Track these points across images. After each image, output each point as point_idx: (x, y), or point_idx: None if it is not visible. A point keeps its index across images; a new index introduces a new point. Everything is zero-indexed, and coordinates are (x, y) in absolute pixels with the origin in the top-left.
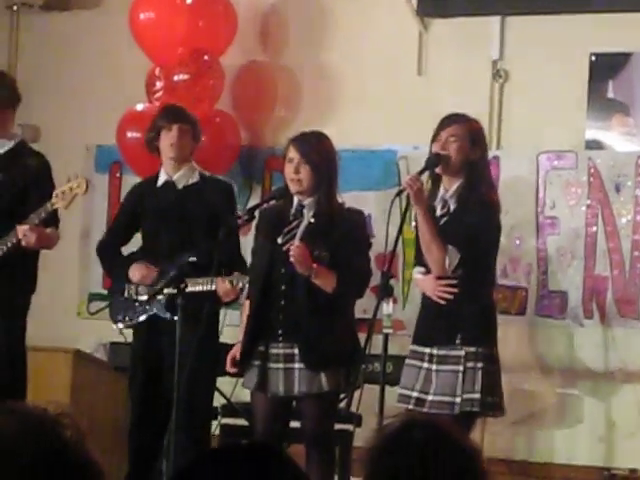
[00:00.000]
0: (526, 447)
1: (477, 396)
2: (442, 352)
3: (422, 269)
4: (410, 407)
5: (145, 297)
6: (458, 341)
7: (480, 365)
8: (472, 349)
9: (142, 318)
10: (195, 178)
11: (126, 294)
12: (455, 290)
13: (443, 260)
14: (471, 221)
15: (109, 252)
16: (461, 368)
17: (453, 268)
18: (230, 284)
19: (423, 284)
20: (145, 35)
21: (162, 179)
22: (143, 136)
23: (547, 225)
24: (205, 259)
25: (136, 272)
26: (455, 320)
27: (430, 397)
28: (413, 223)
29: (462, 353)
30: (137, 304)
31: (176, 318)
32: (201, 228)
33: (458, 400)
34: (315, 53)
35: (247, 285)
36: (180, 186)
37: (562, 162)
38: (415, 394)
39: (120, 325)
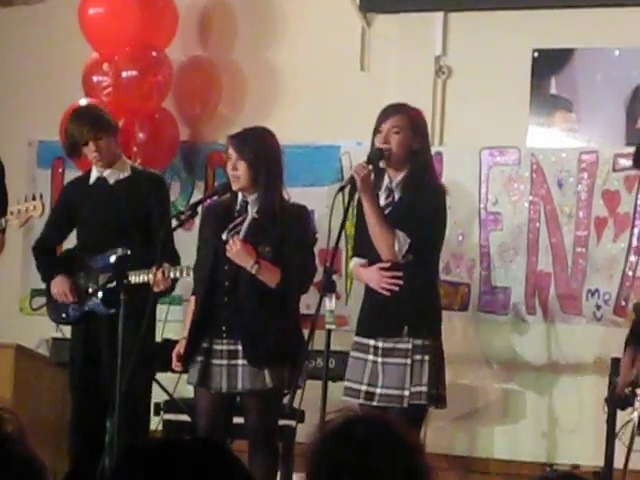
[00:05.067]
0: (468, 442)
1: (424, 389)
2: (388, 345)
3: (361, 260)
4: (360, 401)
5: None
6: (405, 333)
7: (427, 358)
8: (419, 342)
9: (78, 315)
10: (127, 172)
11: None
12: (401, 282)
13: (393, 244)
14: (421, 207)
15: (42, 252)
16: (409, 361)
17: (403, 254)
18: (162, 274)
19: (367, 275)
20: (94, 30)
21: (94, 176)
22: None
23: (490, 221)
24: (138, 252)
25: (55, 288)
26: (401, 311)
27: (379, 390)
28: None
29: (409, 346)
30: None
31: (113, 312)
32: (134, 222)
33: (407, 393)
34: (258, 48)
35: (179, 277)
36: (112, 181)
37: (505, 158)
38: (364, 387)
39: (58, 322)
